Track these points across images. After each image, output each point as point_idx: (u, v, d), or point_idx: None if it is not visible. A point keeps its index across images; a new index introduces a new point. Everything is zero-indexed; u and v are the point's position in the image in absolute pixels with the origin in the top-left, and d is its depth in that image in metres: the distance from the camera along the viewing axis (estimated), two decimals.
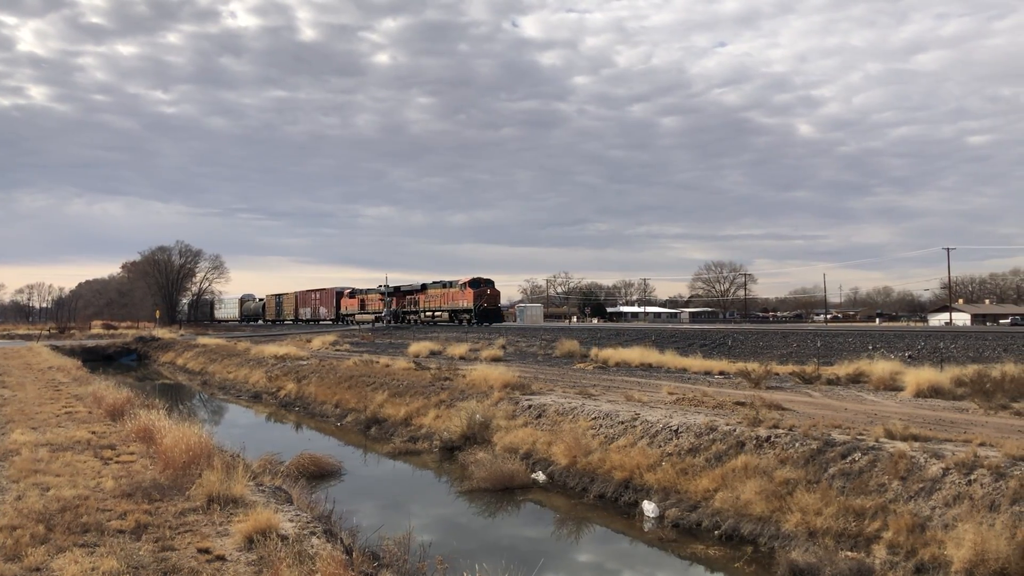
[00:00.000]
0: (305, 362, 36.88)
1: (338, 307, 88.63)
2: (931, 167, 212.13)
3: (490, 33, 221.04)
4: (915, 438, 12.38)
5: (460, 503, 15.48)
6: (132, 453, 13.96)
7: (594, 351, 33.91)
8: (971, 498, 10.13)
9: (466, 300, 64.32)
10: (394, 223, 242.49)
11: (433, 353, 40.33)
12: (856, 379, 22.60)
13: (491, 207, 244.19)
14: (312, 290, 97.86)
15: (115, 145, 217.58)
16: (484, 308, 63.86)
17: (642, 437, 15.58)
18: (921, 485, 10.81)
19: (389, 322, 76.97)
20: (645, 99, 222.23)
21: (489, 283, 65.88)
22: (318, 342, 51.01)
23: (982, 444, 11.74)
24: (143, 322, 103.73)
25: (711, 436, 14.40)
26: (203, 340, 60.83)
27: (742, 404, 17.36)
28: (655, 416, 16.28)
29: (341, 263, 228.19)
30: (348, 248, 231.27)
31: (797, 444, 12.95)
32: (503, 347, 41.15)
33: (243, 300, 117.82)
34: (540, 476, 16.37)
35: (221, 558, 8.29)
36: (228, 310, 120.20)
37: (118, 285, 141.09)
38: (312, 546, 8.61)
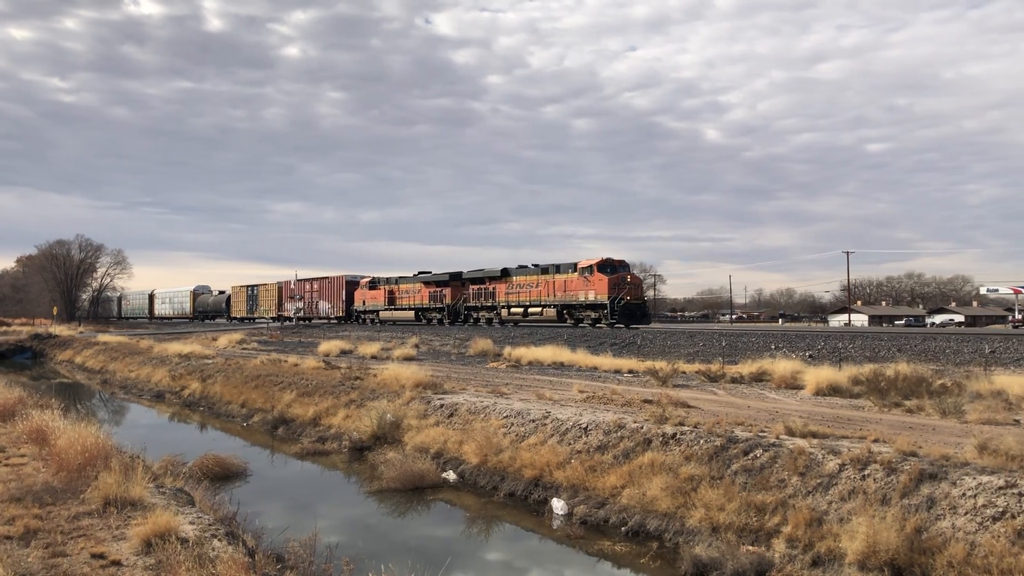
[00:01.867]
0: (211, 361, 35.94)
1: (349, 301, 68.46)
2: (832, 173, 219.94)
3: (403, 29, 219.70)
4: (814, 435, 12.80)
5: (369, 503, 15.32)
6: (23, 456, 13.36)
7: (507, 350, 34.02)
8: (865, 492, 10.52)
9: (593, 291, 44.09)
10: (304, 219, 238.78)
11: (344, 352, 39.84)
12: (759, 377, 23.24)
13: (405, 204, 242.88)
14: (306, 279, 77.55)
15: (7, 133, 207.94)
16: (627, 303, 42.83)
17: (552, 435, 15.69)
18: (819, 480, 11.17)
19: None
20: (558, 100, 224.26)
21: (625, 266, 45.41)
22: (224, 340, 49.92)
23: (876, 440, 12.21)
24: (39, 319, 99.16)
25: (619, 434, 14.60)
26: (104, 338, 58.77)
27: (650, 402, 17.66)
28: (565, 414, 16.42)
29: (250, 259, 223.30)
30: (257, 244, 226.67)
31: (702, 441, 13.23)
32: (416, 346, 40.93)
33: (196, 293, 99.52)
34: (451, 475, 16.33)
35: (117, 563, 8.00)
36: (135, 305, 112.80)
37: (12, 280, 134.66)
38: (213, 549, 8.38)
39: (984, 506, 9.42)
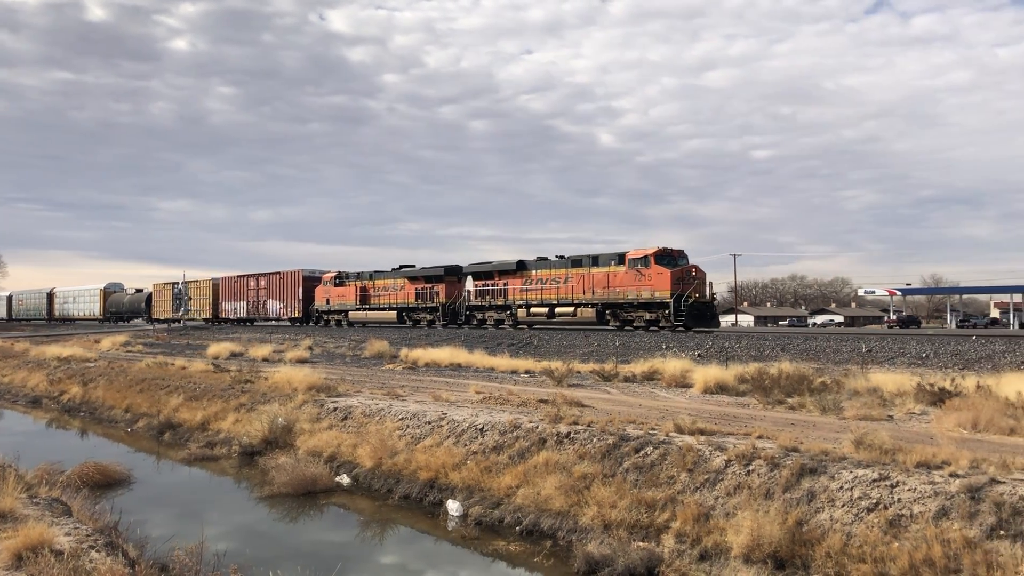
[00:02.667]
0: (92, 364, 34.44)
1: (308, 299, 60.26)
2: (720, 178, 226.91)
3: (296, 25, 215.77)
4: (702, 432, 13.17)
5: (260, 509, 14.95)
6: None
7: (404, 352, 33.77)
8: (750, 487, 10.88)
9: (649, 287, 37.47)
10: (193, 218, 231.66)
11: (234, 355, 38.78)
12: (651, 376, 23.75)
13: (298, 204, 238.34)
14: (251, 275, 67.14)
15: None
16: (696, 302, 36.78)
17: (448, 436, 15.66)
18: (706, 476, 11.50)
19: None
20: (455, 101, 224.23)
21: (684, 258, 38.97)
22: (108, 342, 47.90)
23: (760, 437, 12.64)
24: None
25: (515, 434, 14.68)
26: None
27: (545, 402, 17.83)
28: (462, 415, 16.42)
29: (136, 259, 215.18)
30: (143, 244, 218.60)
31: (595, 440, 13.44)
32: (310, 348, 40.19)
33: (108, 292, 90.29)
34: (345, 479, 16.10)
35: None
36: (31, 306, 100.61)
37: None
38: (91, 560, 8.03)
39: (859, 498, 9.87)
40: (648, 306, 38.13)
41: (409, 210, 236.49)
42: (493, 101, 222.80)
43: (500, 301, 45.68)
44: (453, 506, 13.67)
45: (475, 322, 47.51)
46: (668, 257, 38.34)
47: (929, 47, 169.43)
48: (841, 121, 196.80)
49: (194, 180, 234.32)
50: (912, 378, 19.02)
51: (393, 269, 54.38)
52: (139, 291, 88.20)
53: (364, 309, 54.94)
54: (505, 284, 45.44)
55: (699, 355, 28.07)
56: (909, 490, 9.64)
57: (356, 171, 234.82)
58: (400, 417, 17.31)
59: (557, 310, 42.42)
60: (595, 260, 40.75)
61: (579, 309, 41.16)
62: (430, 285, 50.38)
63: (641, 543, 10.80)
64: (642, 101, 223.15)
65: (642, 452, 12.61)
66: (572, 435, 13.87)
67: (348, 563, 11.63)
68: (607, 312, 40.10)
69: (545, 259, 44.18)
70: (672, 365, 23.89)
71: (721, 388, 20.59)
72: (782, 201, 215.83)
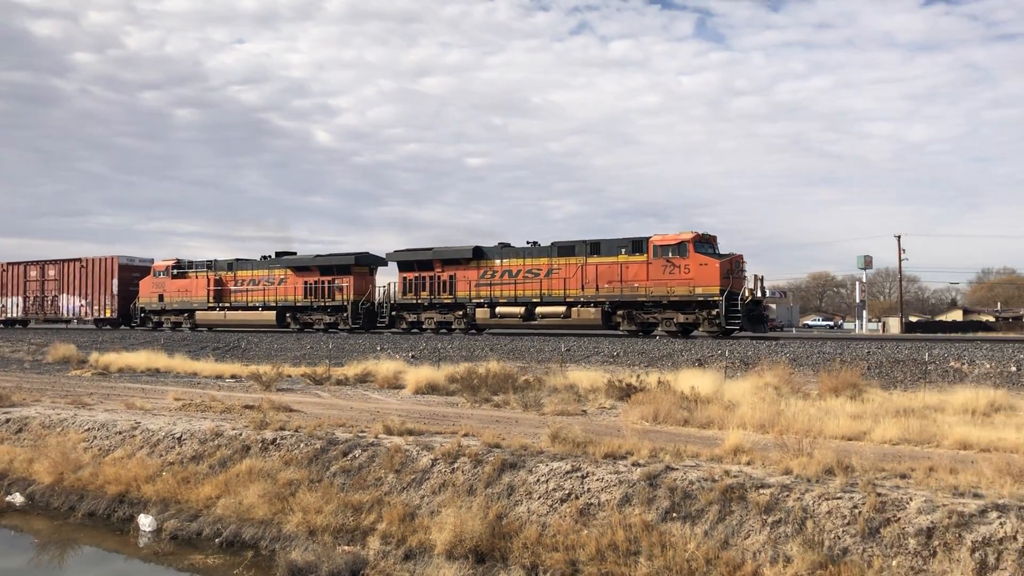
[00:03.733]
0: None
1: (127, 295, 48.93)
2: (437, 183, 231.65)
3: None
4: (410, 432, 13.32)
5: None
6: None
7: (94, 356, 31.05)
8: (454, 485, 11.14)
9: (688, 282, 31.16)
10: None
11: None
12: (364, 379, 23.70)
13: None
14: (33, 262, 54.03)
15: None
16: (753, 301, 31.10)
17: (142, 447, 14.58)
18: (413, 476, 11.62)
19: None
20: (158, 87, 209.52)
21: (711, 240, 32.91)
22: None
23: (466, 435, 13.00)
24: None
25: (216, 442, 13.97)
26: None
27: (251, 407, 17.15)
28: (157, 424, 15.35)
29: None
30: None
31: (302, 445, 13.12)
32: None
33: None
34: (17, 498, 14.45)
35: None
36: None
37: None
38: None
39: (554, 490, 10.45)
40: (682, 305, 31.57)
41: (104, 201, 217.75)
42: (201, 90, 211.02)
43: (446, 298, 37.45)
44: (145, 521, 12.73)
45: (405, 325, 38.87)
46: (707, 244, 32.07)
47: (625, 70, 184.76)
48: (548, 135, 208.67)
49: None
50: (604, 375, 20.55)
51: (265, 258, 44.43)
52: None
53: (220, 308, 44.58)
54: (452, 276, 37.28)
55: (413, 356, 28.42)
56: (598, 480, 10.35)
57: (42, 156, 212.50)
58: (86, 428, 15.85)
59: (540, 310, 34.82)
60: (595, 248, 33.77)
61: (575, 309, 33.79)
62: (329, 278, 41.23)
63: (347, 547, 10.68)
64: (360, 101, 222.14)
65: (350, 455, 12.50)
66: (278, 441, 13.44)
67: None
68: (618, 313, 33.18)
69: (508, 245, 36.84)
70: (385, 367, 24.01)
71: (432, 388, 20.99)
72: (495, 208, 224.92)
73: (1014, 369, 20.32)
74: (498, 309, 35.82)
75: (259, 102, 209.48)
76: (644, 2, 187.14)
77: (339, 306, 40.90)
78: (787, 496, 9.11)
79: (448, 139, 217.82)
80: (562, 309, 34.05)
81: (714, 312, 30.57)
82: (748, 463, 10.41)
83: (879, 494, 8.74)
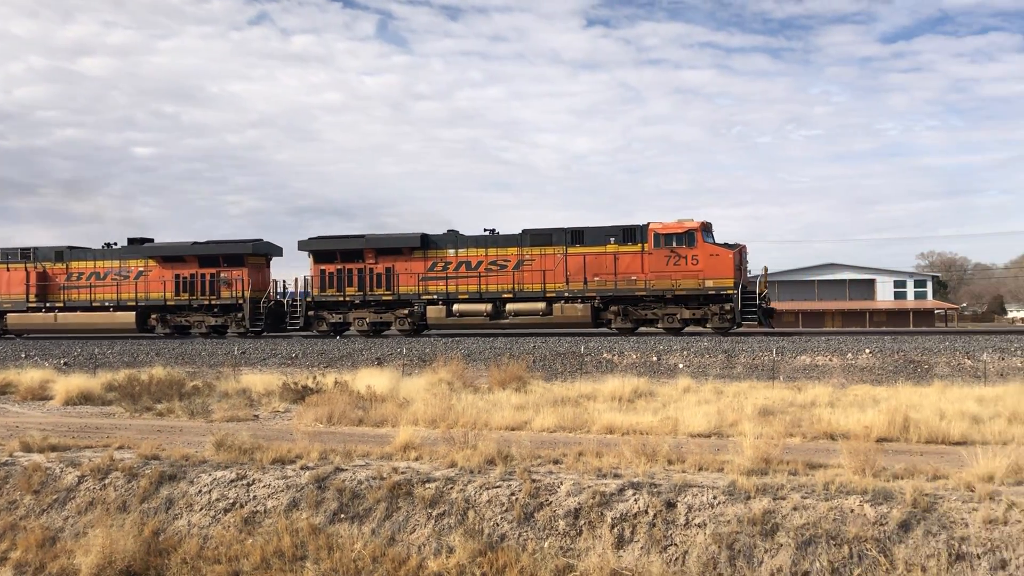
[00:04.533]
0: None
1: None
2: (100, 172, 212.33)
3: None
4: (54, 448, 12.01)
5: None
6: None
7: None
8: (105, 502, 10.25)
9: (697, 273, 28.49)
10: None
11: None
12: (3, 390, 21.06)
13: None
14: None
15: None
16: (765, 294, 29.29)
17: None
18: (56, 496, 10.52)
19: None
20: None
21: (710, 228, 30.35)
22: None
23: (121, 447, 11.99)
24: None
25: None
26: None
27: None
28: None
29: None
30: None
31: None
32: None
33: None
34: None
35: None
36: None
37: None
38: None
39: (217, 500, 9.97)
40: (689, 299, 28.85)
41: None
42: None
43: (383, 294, 31.90)
44: None
45: (325, 327, 32.58)
46: (709, 233, 29.52)
47: (307, 66, 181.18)
48: (226, 126, 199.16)
49: None
50: (281, 377, 20.01)
51: (107, 245, 35.80)
52: None
53: (48, 309, 35.46)
54: (390, 268, 31.80)
55: (65, 363, 25.80)
56: (265, 486, 10.04)
57: None
58: None
59: (512, 307, 30.42)
60: (576, 236, 30.03)
61: (558, 305, 29.93)
62: (212, 270, 33.87)
63: None
64: (6, 79, 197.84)
65: None
66: None
67: None
68: (610, 309, 29.71)
69: (455, 233, 31.91)
70: (31, 376, 21.55)
71: (86, 398, 19.14)
72: (166, 201, 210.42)
73: (655, 359, 22.72)
74: (457, 307, 30.94)
75: None
76: None
77: (230, 304, 33.68)
78: (451, 488, 9.42)
79: (112, 125, 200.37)
80: (541, 306, 30.18)
81: (727, 307, 28.32)
82: (417, 459, 10.62)
83: (534, 480, 9.32)
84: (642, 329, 29.94)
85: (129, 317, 34.40)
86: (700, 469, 9.64)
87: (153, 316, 34.47)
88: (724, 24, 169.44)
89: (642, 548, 8.38)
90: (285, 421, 15.63)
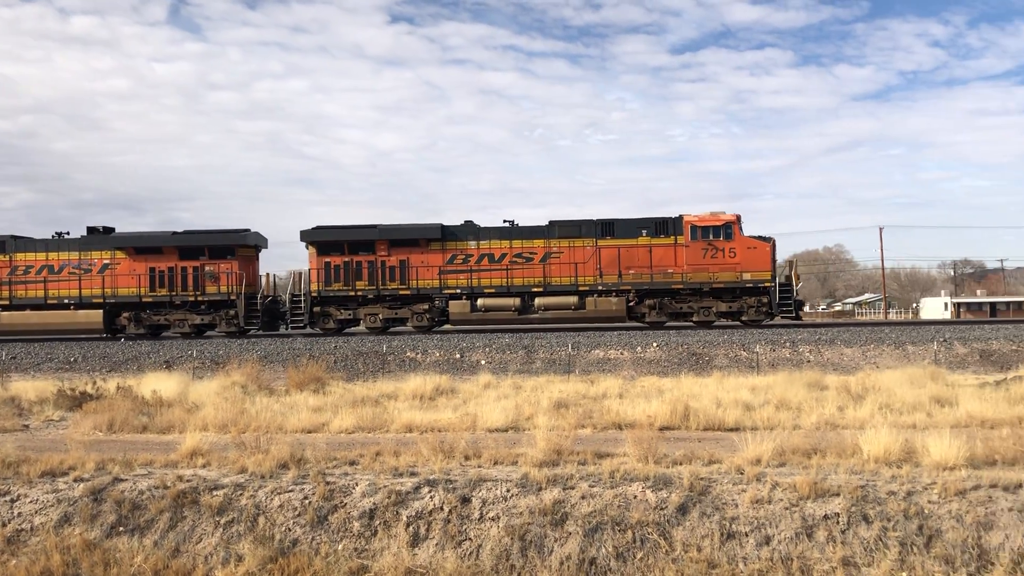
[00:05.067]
0: None
1: None
2: None
3: None
4: None
5: None
6: None
7: None
8: None
9: (735, 266, 28.40)
10: None
11: None
12: None
13: None
14: None
15: None
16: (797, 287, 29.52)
17: None
18: None
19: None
20: None
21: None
22: None
23: None
24: None
25: None
26: None
27: None
28: None
29: None
30: None
31: None
32: None
33: None
34: None
35: None
36: None
37: None
38: None
39: None
40: (723, 292, 28.83)
41: None
42: None
43: (399, 288, 29.69)
44: None
45: (332, 324, 30.01)
46: (737, 225, 29.31)
47: (90, 49, 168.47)
48: None
49: None
50: (57, 383, 18.55)
51: (59, 234, 31.40)
52: None
53: None
54: (404, 261, 29.72)
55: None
56: (32, 502, 9.28)
57: None
58: None
59: (541, 301, 29.19)
60: (607, 228, 29.31)
61: (591, 299, 28.95)
62: (196, 263, 30.41)
63: None
64: None
65: None
66: None
67: None
68: (645, 302, 29.10)
69: (473, 224, 30.40)
70: None
71: None
72: None
73: (458, 356, 22.95)
74: (482, 301, 29.46)
75: None
76: None
77: (220, 301, 30.49)
78: (241, 495, 9.09)
79: None
80: (573, 299, 29.18)
81: (764, 299, 28.70)
82: (205, 465, 10.15)
83: (328, 483, 9.15)
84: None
85: (95, 316, 30.58)
86: (496, 463, 9.82)
87: (124, 315, 30.79)
88: (526, 28, 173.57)
89: (437, 545, 8.44)
90: (60, 431, 14.49)
